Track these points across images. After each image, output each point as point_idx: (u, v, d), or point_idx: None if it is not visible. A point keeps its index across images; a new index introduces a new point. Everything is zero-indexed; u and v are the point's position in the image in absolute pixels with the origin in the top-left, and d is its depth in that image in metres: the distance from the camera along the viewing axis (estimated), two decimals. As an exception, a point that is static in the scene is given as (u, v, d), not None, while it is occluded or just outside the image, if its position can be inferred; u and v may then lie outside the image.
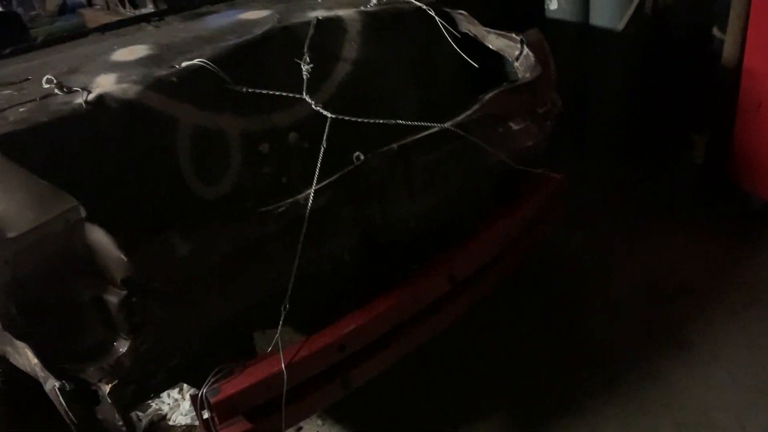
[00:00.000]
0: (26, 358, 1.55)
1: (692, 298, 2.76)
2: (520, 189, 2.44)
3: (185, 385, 2.50)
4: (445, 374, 2.52)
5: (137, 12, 4.40)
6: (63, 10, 7.49)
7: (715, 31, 3.24)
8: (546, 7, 3.73)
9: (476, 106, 2.20)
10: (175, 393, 2.54)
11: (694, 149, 3.50)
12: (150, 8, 4.29)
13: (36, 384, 1.62)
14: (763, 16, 2.85)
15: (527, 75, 2.42)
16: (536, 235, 2.51)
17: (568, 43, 3.67)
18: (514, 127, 2.36)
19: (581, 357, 2.52)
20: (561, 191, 2.50)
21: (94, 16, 5.12)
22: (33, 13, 7.59)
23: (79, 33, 2.84)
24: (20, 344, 1.52)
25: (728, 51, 3.08)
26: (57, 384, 1.53)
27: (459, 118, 2.14)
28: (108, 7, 5.09)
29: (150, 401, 2.51)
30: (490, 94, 2.26)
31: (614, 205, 3.48)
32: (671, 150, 3.68)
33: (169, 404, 2.52)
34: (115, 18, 3.81)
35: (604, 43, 3.56)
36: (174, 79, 1.97)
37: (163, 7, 3.89)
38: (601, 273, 2.98)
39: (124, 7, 4.87)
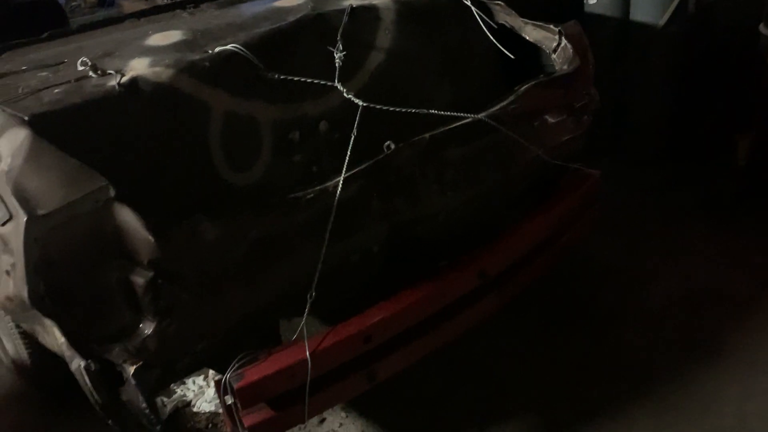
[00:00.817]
0: (53, 337, 1.55)
1: (731, 306, 2.67)
2: (555, 185, 2.38)
3: (210, 372, 2.50)
4: (473, 376, 2.47)
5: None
6: (103, 1, 7.60)
7: (762, 28, 3.13)
8: (585, 1, 3.65)
9: (511, 98, 2.15)
10: (200, 380, 2.54)
11: (737, 151, 3.39)
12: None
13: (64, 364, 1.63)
14: (814, 12, 2.75)
15: (565, 67, 2.36)
16: (572, 234, 2.44)
17: (607, 39, 3.57)
18: (551, 120, 2.30)
19: (614, 362, 2.45)
20: (598, 189, 2.43)
21: (132, 7, 5.19)
22: (74, 3, 7.72)
23: (115, 19, 2.87)
24: (48, 322, 1.53)
25: (776, 48, 2.98)
26: (83, 363, 1.54)
27: (493, 110, 2.10)
28: (146, -2, 5.15)
29: (175, 387, 2.52)
30: (526, 86, 2.21)
31: (651, 207, 3.37)
32: (713, 151, 3.56)
33: (194, 391, 2.52)
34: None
35: (645, 40, 3.46)
36: (207, 63, 1.96)
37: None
38: (636, 278, 2.89)
39: (161, -3, 4.92)
